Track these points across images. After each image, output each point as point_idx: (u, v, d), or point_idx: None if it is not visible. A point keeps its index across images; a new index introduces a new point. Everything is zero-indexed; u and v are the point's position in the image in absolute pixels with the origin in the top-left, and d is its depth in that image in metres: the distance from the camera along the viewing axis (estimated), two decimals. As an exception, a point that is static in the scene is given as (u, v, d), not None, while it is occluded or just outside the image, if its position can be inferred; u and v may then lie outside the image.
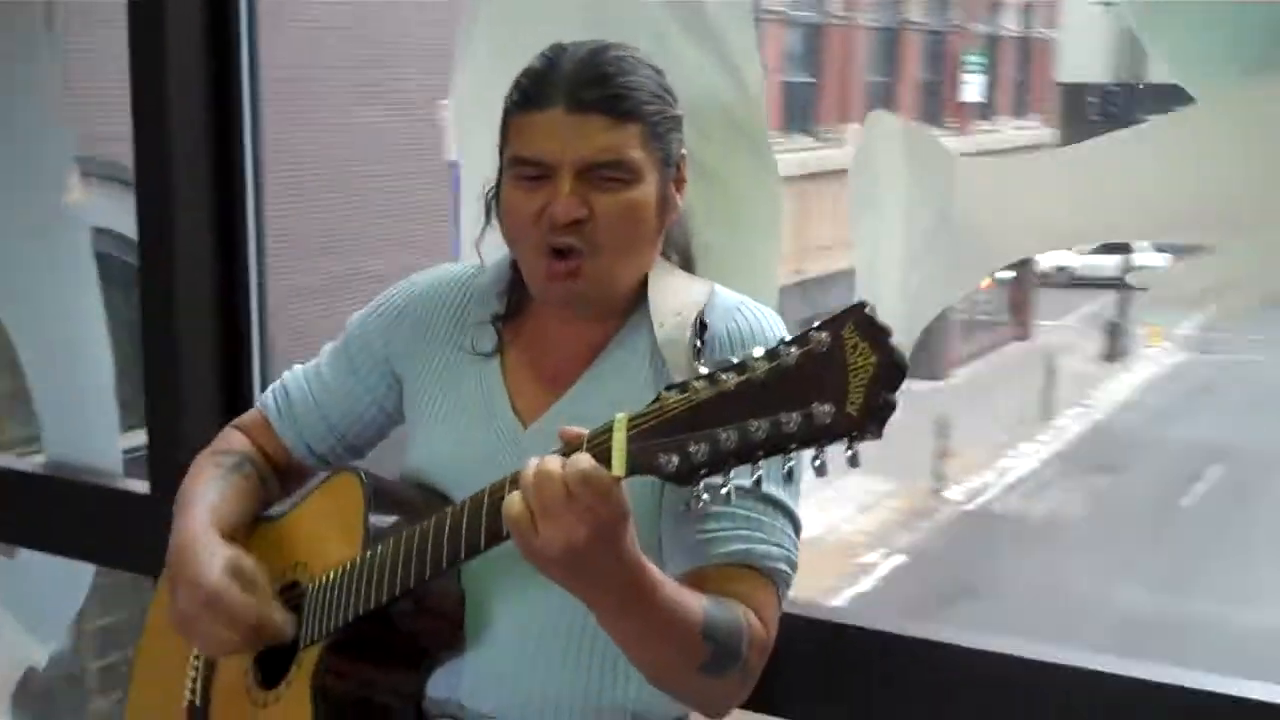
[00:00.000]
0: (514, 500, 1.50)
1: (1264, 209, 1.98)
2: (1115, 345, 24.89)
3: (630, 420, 1.44)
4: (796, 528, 1.77)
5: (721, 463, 1.39)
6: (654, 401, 1.43)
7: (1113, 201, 2.07)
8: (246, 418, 2.10)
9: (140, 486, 2.82)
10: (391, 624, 1.79)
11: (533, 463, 1.50)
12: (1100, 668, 1.95)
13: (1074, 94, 28.76)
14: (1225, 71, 1.99)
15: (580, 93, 1.72)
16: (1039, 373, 22.46)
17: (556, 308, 1.84)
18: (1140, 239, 2.25)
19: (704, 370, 1.40)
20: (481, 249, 1.90)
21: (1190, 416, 20.47)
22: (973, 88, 24.69)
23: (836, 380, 1.30)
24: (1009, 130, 25.85)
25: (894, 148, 2.19)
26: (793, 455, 1.36)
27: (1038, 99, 27.61)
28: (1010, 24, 26.36)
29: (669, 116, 1.78)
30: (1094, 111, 28.95)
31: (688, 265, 1.91)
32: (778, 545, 1.75)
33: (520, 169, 1.75)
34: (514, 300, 1.91)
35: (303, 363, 2.11)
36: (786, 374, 1.33)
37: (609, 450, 1.46)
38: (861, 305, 1.31)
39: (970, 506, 18.47)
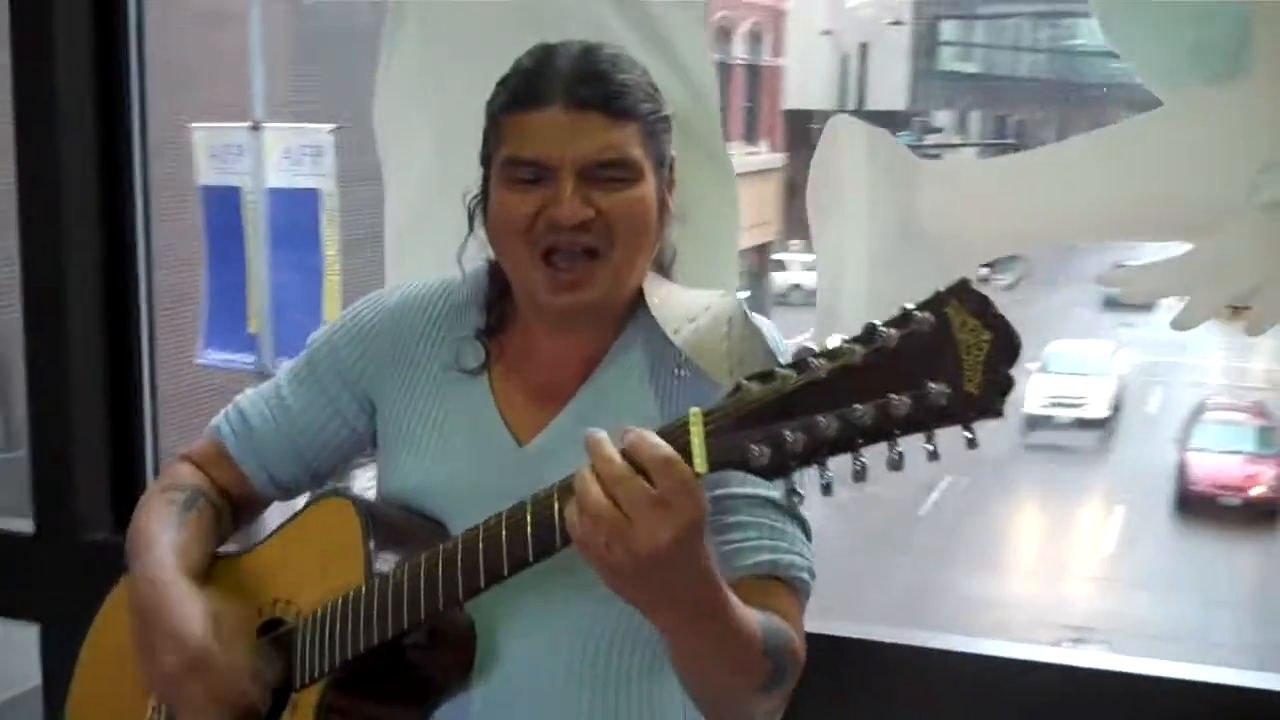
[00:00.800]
0: (587, 504, 1.39)
1: (1224, 211, 2.04)
2: None
3: (706, 414, 1.37)
4: (809, 536, 1.74)
5: (819, 452, 1.32)
6: (733, 393, 1.36)
7: (1077, 204, 2.10)
8: (196, 447, 1.94)
9: (23, 526, 2.60)
10: (399, 657, 1.67)
11: (589, 469, 1.40)
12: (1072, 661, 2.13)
13: (799, 120, 29.94)
14: (1191, 79, 2.04)
15: (578, 90, 1.65)
16: None
17: (554, 319, 1.75)
18: (1104, 240, 2.29)
19: (784, 361, 1.35)
20: (463, 260, 1.83)
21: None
22: (702, 113, 25.29)
23: (947, 359, 1.26)
24: (741, 155, 26.37)
25: (856, 153, 2.19)
26: (897, 441, 1.30)
27: (766, 125, 28.31)
28: (740, 52, 26.89)
29: (662, 116, 1.73)
30: (817, 137, 30.45)
31: (664, 273, 1.84)
32: (799, 555, 1.70)
33: (515, 170, 1.67)
34: (496, 313, 1.82)
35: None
36: (886, 357, 1.28)
37: (686, 447, 1.38)
38: (965, 282, 1.28)
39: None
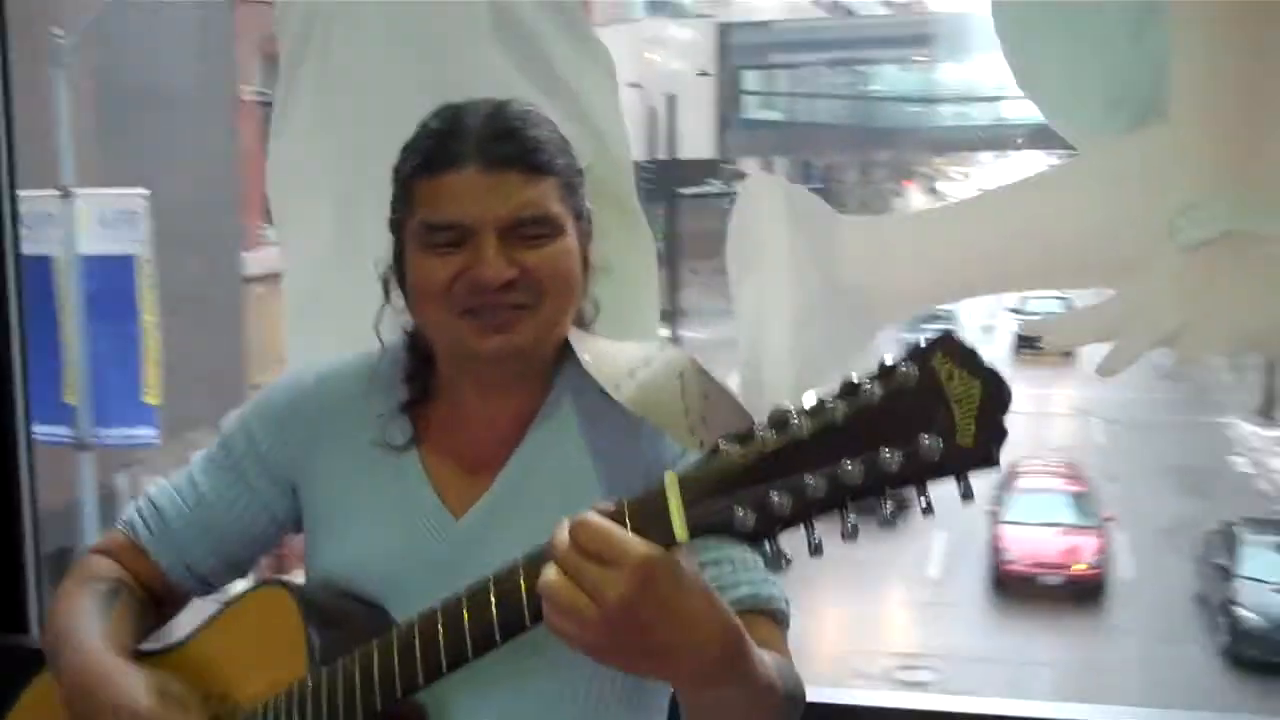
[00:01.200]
0: (553, 597, 1.33)
1: (1147, 255, 2.04)
2: None
3: (682, 480, 1.31)
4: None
5: (806, 513, 1.27)
6: (710, 456, 1.31)
7: (996, 255, 2.09)
8: (107, 541, 1.84)
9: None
10: None
11: (553, 569, 1.34)
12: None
13: None
14: (1107, 127, 2.04)
15: (492, 148, 1.60)
16: None
17: (485, 371, 1.68)
18: (1025, 289, 2.29)
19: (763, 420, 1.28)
20: (381, 331, 1.76)
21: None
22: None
23: (938, 412, 1.22)
24: None
25: (774, 210, 2.15)
26: (886, 498, 1.26)
27: None
28: None
29: (577, 170, 1.69)
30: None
31: (585, 328, 1.77)
32: (775, 586, 1.65)
33: (433, 235, 1.62)
34: (420, 385, 1.75)
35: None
36: (870, 413, 1.24)
37: (664, 514, 1.32)
38: (949, 334, 1.23)
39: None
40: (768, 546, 1.31)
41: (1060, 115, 2.04)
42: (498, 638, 1.44)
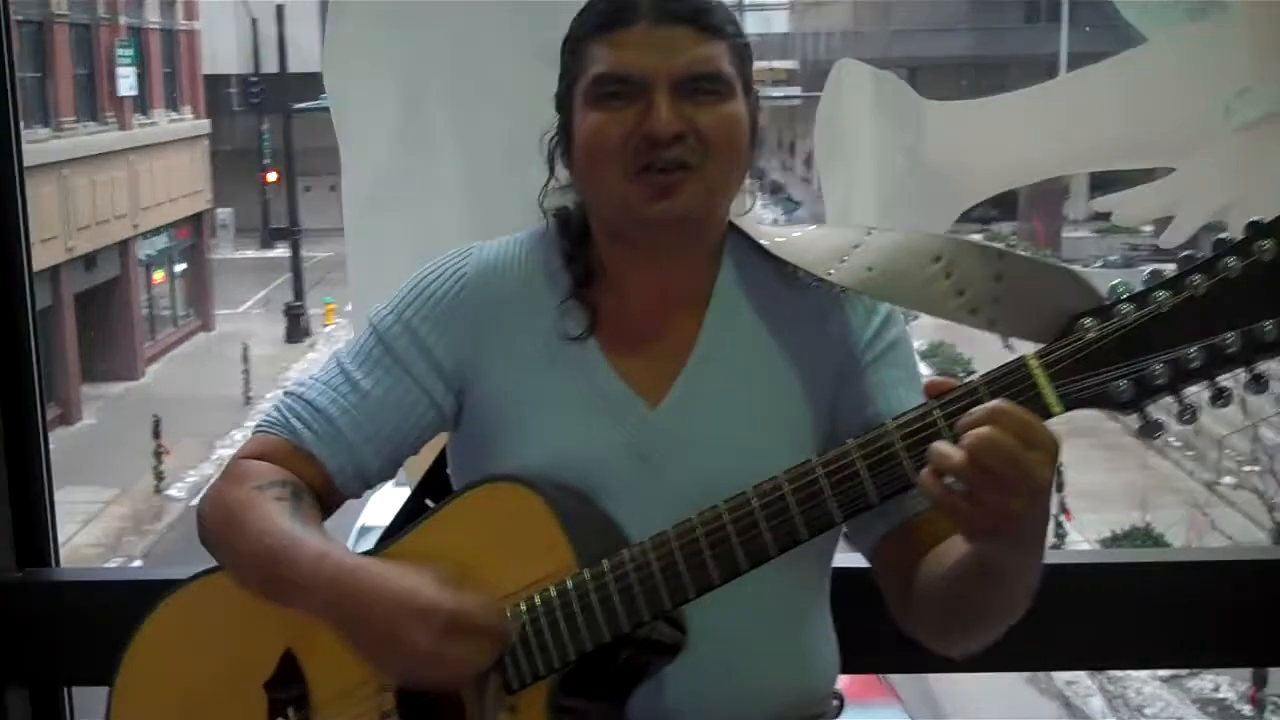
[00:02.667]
0: (946, 461, 1.33)
1: (1205, 135, 2.21)
2: (296, 326, 25.06)
3: (1044, 357, 1.37)
4: None
5: (1180, 383, 1.34)
6: (1067, 332, 1.37)
7: (1070, 137, 2.24)
8: (258, 446, 1.72)
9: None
10: (619, 648, 1.56)
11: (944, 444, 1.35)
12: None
13: (218, 85, 29.59)
14: (1173, 16, 2.19)
15: (667, 6, 1.60)
16: (231, 360, 22.09)
17: (649, 239, 1.66)
18: (1096, 168, 2.44)
19: (1122, 294, 1.35)
20: (546, 206, 1.73)
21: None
22: (127, 81, 23.44)
23: None
24: (165, 123, 25.82)
25: (862, 94, 2.27)
26: (1259, 368, 1.31)
27: (188, 91, 27.37)
28: (154, 17, 25.69)
29: (744, 43, 1.66)
30: (237, 101, 30.22)
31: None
32: None
33: (606, 87, 1.59)
34: (580, 268, 1.71)
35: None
36: (1230, 287, 1.28)
37: (1030, 392, 1.37)
38: None
39: (195, 501, 18.70)
40: (1138, 416, 1.36)
41: (1135, 7, 2.19)
42: (804, 535, 1.46)
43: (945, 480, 1.33)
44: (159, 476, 17.37)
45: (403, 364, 1.69)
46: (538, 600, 1.54)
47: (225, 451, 20.12)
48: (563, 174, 1.69)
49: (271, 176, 29.91)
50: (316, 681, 1.62)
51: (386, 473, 1.74)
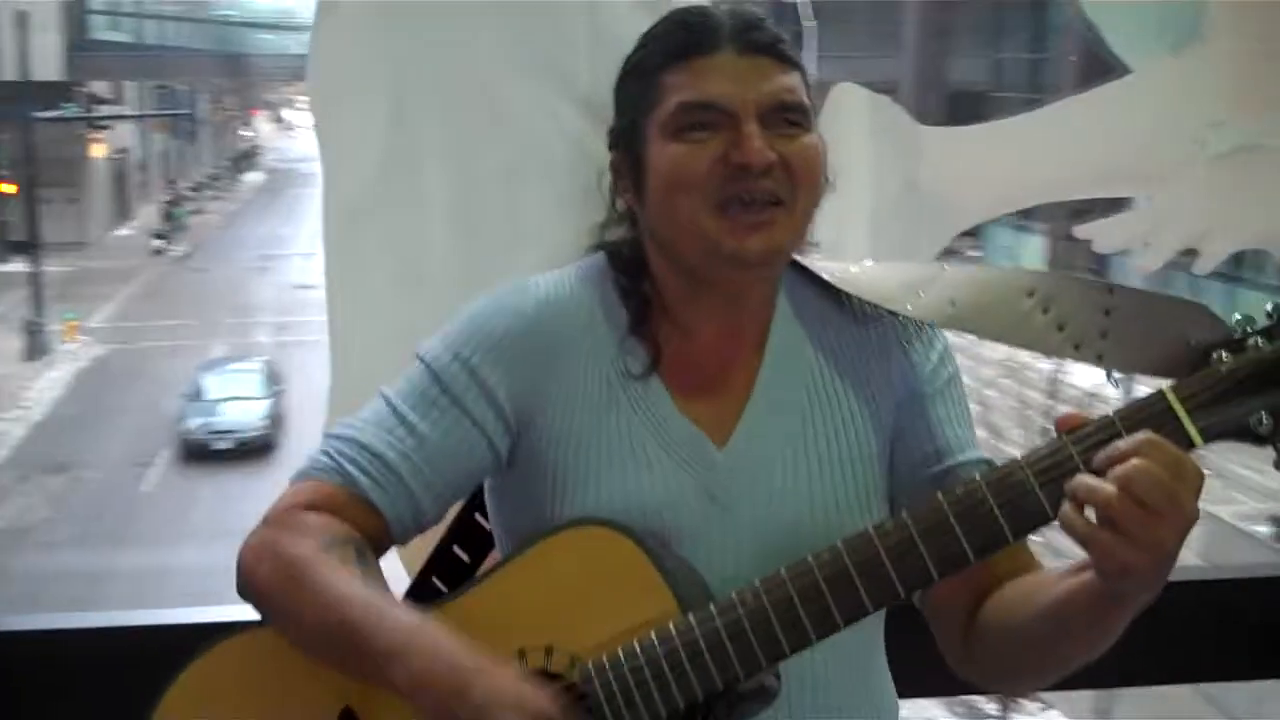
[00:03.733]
0: (1094, 494, 1.33)
1: (1180, 166, 2.31)
2: (35, 343, 24.44)
3: (1180, 391, 1.38)
4: None
5: None
6: (1202, 366, 1.39)
7: (1056, 165, 2.32)
8: (311, 494, 1.65)
9: None
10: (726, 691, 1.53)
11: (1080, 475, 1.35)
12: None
13: None
14: (1155, 48, 2.29)
15: (747, 35, 1.56)
16: None
17: (732, 278, 1.61)
18: (1082, 195, 2.50)
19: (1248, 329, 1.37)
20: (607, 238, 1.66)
21: (128, 405, 21.86)
22: None
23: None
24: None
25: (859, 118, 2.29)
26: None
27: None
28: None
29: (809, 77, 1.73)
30: None
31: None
32: None
33: (690, 117, 1.55)
34: (636, 304, 1.67)
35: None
36: None
37: (1171, 425, 1.39)
38: None
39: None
40: (1275, 448, 1.38)
41: (1120, 38, 2.27)
42: (934, 575, 1.45)
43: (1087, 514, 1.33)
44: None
45: (461, 405, 1.63)
46: (637, 648, 1.50)
47: (-42, 474, 19.37)
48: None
49: (6, 188, 29.15)
50: None
51: (436, 520, 1.68)
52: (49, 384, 23.23)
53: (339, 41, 2.20)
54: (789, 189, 1.52)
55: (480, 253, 2.07)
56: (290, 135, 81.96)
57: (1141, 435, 1.34)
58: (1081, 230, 2.35)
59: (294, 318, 28.29)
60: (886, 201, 2.29)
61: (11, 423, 21.48)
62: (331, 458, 1.62)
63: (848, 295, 1.67)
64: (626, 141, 1.61)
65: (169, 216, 36.99)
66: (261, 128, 69.93)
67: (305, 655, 1.56)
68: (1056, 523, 1.36)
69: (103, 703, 1.94)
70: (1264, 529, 12.18)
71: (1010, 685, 1.66)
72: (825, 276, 1.67)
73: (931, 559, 1.43)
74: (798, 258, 1.67)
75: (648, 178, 1.58)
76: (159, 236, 33.86)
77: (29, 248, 26.98)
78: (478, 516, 1.80)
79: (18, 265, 28.80)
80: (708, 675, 1.47)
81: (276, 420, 19.92)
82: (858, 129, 2.29)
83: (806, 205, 1.56)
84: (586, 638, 1.51)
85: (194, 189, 45.92)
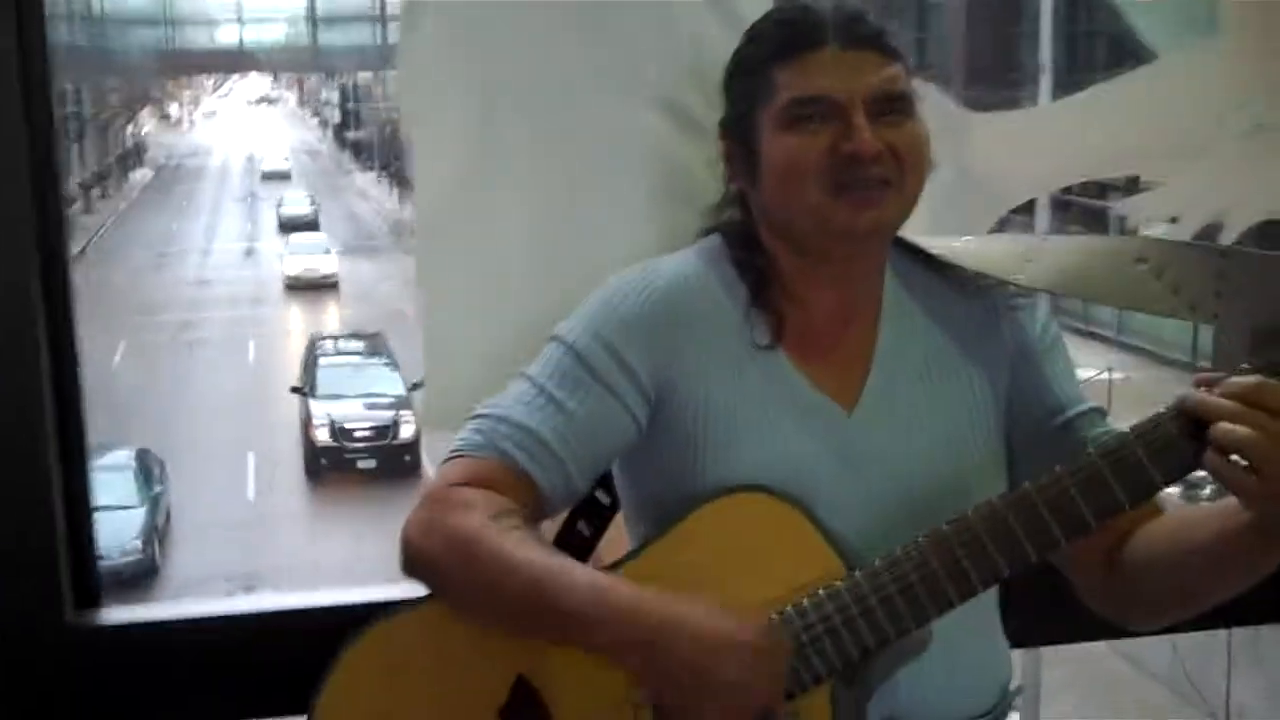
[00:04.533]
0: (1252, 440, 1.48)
1: (1206, 145, 2.48)
2: None
3: None
4: None
5: None
6: None
7: (1096, 145, 2.48)
8: (467, 472, 1.70)
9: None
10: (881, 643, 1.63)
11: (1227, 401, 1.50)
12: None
13: None
14: (1185, 34, 2.45)
15: (851, 29, 1.69)
16: None
17: (845, 251, 1.75)
18: (1121, 173, 2.68)
19: None
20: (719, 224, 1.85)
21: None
22: None
23: None
24: None
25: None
26: None
27: None
28: None
29: (909, 67, 1.77)
30: None
31: None
32: None
33: (801, 109, 1.68)
34: (753, 279, 1.79)
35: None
36: None
37: None
38: None
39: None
40: None
41: (1150, 25, 2.43)
42: (1092, 523, 1.58)
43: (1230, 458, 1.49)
44: None
45: (604, 382, 1.72)
46: (807, 604, 1.60)
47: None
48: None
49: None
50: (559, 705, 1.63)
51: (584, 491, 1.79)
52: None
53: (425, 49, 2.26)
54: (897, 172, 1.69)
55: (563, 252, 2.16)
56: (177, 130, 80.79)
57: (1253, 377, 1.50)
58: (1119, 206, 2.52)
59: (196, 314, 27.86)
60: (939, 187, 2.43)
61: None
62: (484, 435, 1.71)
63: (952, 267, 1.84)
64: (739, 131, 1.76)
65: (57, 216, 36.56)
66: (146, 123, 68.86)
67: (484, 624, 1.63)
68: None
69: (215, 688, 2.09)
70: None
71: (1150, 621, 1.76)
72: (933, 252, 1.83)
73: (1089, 509, 1.57)
74: (902, 235, 1.82)
75: (761, 165, 1.73)
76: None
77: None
78: (599, 493, 1.92)
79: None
80: (878, 627, 1.59)
81: (154, 538, 18.35)
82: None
83: (914, 186, 1.73)
84: (753, 597, 1.60)
85: (82, 187, 44.83)
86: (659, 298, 1.75)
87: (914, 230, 2.41)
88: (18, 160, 2.00)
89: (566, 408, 1.71)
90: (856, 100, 1.67)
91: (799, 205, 1.71)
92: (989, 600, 1.80)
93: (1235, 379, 1.50)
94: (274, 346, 26.88)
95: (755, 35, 1.77)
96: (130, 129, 60.16)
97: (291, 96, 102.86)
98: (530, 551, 1.60)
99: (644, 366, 1.73)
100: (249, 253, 39.49)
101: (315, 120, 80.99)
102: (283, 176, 53.81)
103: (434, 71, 2.27)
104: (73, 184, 42.03)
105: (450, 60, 2.24)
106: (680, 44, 2.15)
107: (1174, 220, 2.52)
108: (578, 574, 1.59)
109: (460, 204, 2.28)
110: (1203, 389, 1.52)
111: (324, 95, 73.20)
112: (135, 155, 60.91)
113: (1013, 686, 1.83)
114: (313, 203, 46.19)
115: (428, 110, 2.29)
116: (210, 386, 24.03)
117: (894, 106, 1.70)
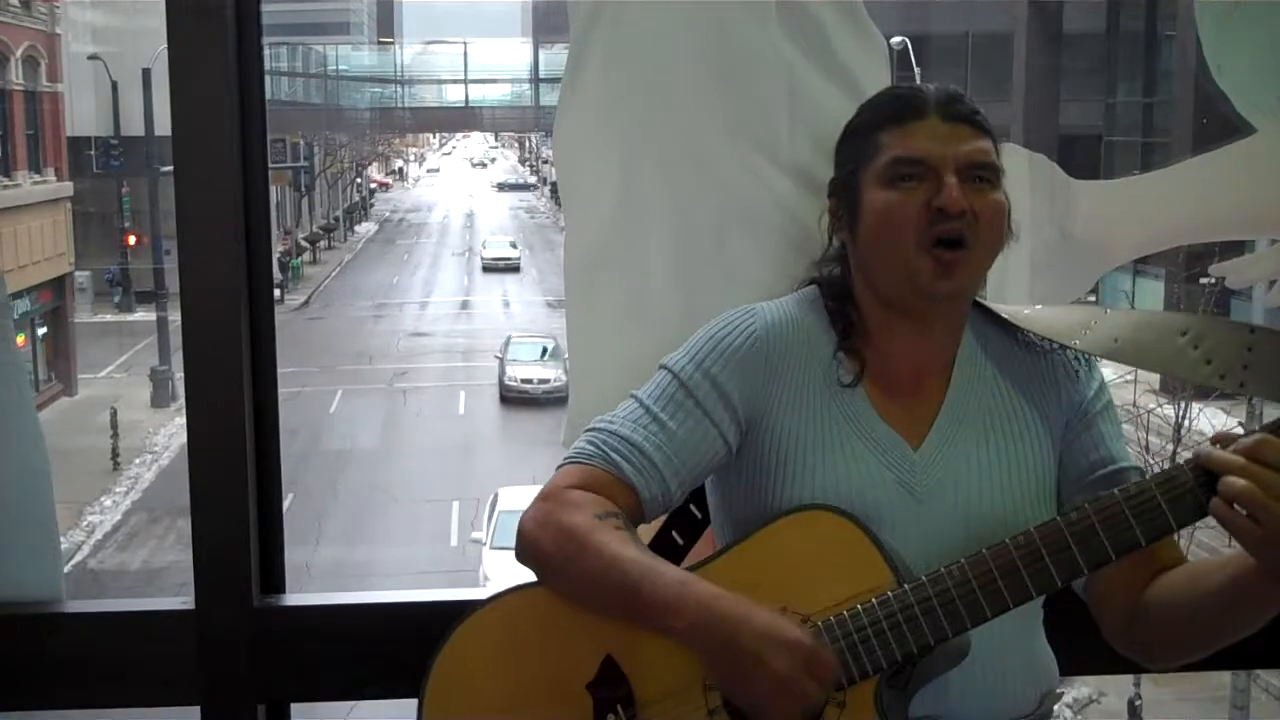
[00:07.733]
0: (1249, 492, 1.63)
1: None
2: (162, 390, 25.71)
3: None
4: None
5: None
6: None
7: (1193, 211, 2.63)
8: (578, 478, 1.93)
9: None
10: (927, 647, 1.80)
11: (1234, 453, 1.67)
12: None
13: (80, 147, 29.64)
14: (1272, 104, 2.59)
15: (950, 106, 1.90)
16: (96, 426, 22.88)
17: (926, 308, 1.93)
18: (1217, 239, 2.84)
19: None
20: (823, 272, 2.04)
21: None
22: (-7, 145, 24.38)
23: None
24: (28, 185, 26.12)
25: (1015, 174, 2.61)
26: None
27: (51, 153, 27.66)
28: (17, 78, 25.97)
29: (998, 145, 1.96)
30: (98, 164, 30.24)
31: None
32: None
33: (901, 169, 1.88)
34: (843, 326, 1.98)
35: None
36: None
37: None
38: None
39: (67, 569, 18.35)
40: None
41: (1246, 103, 2.58)
42: (1142, 542, 1.74)
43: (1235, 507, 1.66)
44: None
45: (703, 407, 1.94)
46: (860, 609, 1.78)
47: (94, 518, 19.77)
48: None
49: (131, 240, 29.48)
50: (641, 682, 1.83)
51: (678, 503, 1.99)
52: (177, 429, 23.66)
53: (578, 116, 2.48)
54: (974, 234, 1.87)
55: (696, 297, 2.34)
56: (403, 186, 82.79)
57: (1258, 435, 1.66)
58: (1215, 269, 2.67)
59: (410, 364, 28.43)
60: (1043, 248, 2.61)
61: (141, 467, 22.36)
62: (596, 446, 1.93)
63: (1024, 331, 2.02)
64: (845, 189, 1.97)
65: (285, 266, 37.57)
66: (374, 179, 71.00)
67: (583, 609, 1.83)
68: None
69: (367, 664, 2.38)
70: None
71: (1169, 659, 1.90)
72: (1005, 315, 2.02)
73: (1110, 542, 1.74)
74: (980, 300, 2.02)
75: (862, 218, 1.93)
76: (276, 286, 34.34)
77: (155, 297, 27.35)
78: (692, 507, 2.19)
79: (144, 314, 29.17)
80: (920, 633, 1.76)
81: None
82: (1017, 185, 2.60)
83: (988, 251, 1.91)
84: (814, 602, 1.79)
85: (309, 239, 46.37)
86: (759, 336, 1.96)
87: (1016, 287, 2.61)
88: (233, 206, 2.32)
89: (668, 427, 1.93)
90: (949, 163, 1.87)
91: (892, 254, 1.90)
92: (1034, 609, 1.95)
93: (1245, 438, 1.66)
94: (483, 395, 27.37)
95: (869, 105, 1.99)
96: (358, 183, 62.18)
97: (512, 154, 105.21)
98: (628, 549, 1.81)
99: (738, 396, 1.94)
100: (464, 305, 40.36)
101: (535, 178, 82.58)
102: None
103: (583, 141, 2.49)
104: (299, 237, 43.58)
105: (597, 131, 2.46)
106: (806, 112, 2.35)
107: (1274, 282, 2.66)
108: (667, 570, 1.80)
109: (605, 258, 2.49)
110: (1217, 445, 1.69)
111: (544, 154, 74.47)
112: (361, 209, 62.69)
113: (1056, 690, 1.98)
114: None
115: (578, 176, 2.53)
116: (421, 433, 24.60)
117: (982, 174, 1.89)
